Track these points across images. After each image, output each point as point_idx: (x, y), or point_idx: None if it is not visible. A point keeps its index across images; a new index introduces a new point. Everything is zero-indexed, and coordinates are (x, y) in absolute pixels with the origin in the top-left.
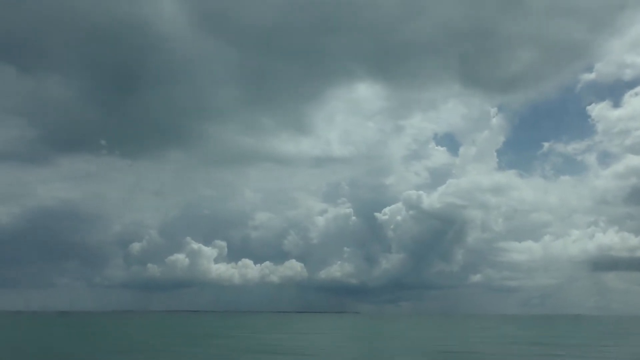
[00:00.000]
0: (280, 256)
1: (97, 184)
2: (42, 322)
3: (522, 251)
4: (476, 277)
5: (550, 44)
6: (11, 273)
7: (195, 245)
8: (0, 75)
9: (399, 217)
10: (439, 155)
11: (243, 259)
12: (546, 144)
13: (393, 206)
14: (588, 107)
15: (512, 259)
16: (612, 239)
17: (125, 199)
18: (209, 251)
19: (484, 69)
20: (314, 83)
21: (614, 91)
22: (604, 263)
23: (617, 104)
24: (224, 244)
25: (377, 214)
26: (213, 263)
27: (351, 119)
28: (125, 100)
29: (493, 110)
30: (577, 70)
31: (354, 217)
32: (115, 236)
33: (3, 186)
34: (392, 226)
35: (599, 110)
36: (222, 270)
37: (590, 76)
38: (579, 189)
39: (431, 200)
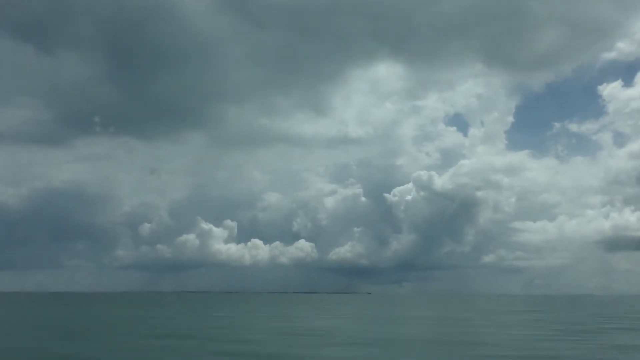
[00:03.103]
0: (289, 237)
1: (110, 165)
2: (55, 303)
3: (537, 231)
4: (488, 258)
5: (577, 22)
6: (21, 254)
7: (205, 226)
8: (18, 55)
9: (408, 198)
10: (452, 136)
11: (253, 239)
12: (558, 124)
13: (403, 187)
14: (599, 87)
15: (526, 239)
16: (627, 219)
17: (137, 180)
18: (220, 232)
19: (509, 49)
20: (335, 63)
21: (628, 71)
22: (619, 243)
23: (629, 84)
24: (234, 224)
25: (386, 195)
26: (223, 244)
27: (369, 99)
28: (144, 81)
29: (506, 91)
30: (598, 49)
31: (363, 198)
32: (125, 217)
33: (15, 168)
34: (402, 207)
35: (610, 90)
36: (232, 250)
37: (610, 55)
38: (592, 168)
39: (443, 180)
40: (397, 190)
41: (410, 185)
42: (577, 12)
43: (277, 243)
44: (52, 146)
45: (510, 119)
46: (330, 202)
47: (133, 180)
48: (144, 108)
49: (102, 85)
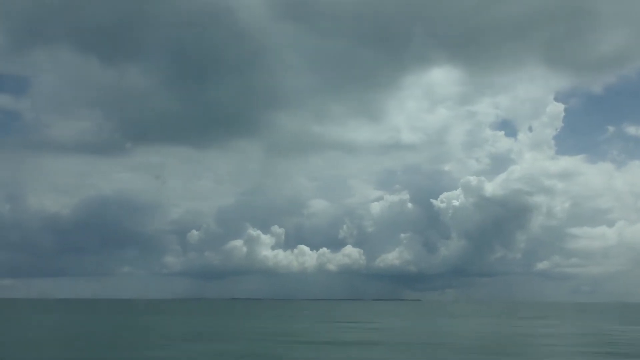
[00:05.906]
0: (336, 243)
1: (162, 173)
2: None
3: (595, 237)
4: (542, 264)
5: None
6: (74, 262)
7: (253, 232)
8: (82, 67)
9: (456, 203)
10: (501, 141)
11: (300, 246)
12: (613, 128)
13: (450, 192)
14: None
15: (583, 245)
16: None
17: (186, 187)
18: (267, 238)
19: (573, 51)
20: (391, 70)
21: None
22: None
23: None
24: (281, 230)
25: (433, 201)
26: (270, 250)
27: (423, 105)
28: (202, 91)
29: (558, 95)
30: None
31: (410, 204)
32: (174, 224)
33: (71, 177)
34: (450, 213)
35: None
36: (280, 257)
37: None
38: None
39: (493, 186)
40: (444, 195)
41: (458, 191)
42: None
43: (323, 249)
44: (109, 156)
45: (561, 123)
46: (376, 208)
47: (182, 188)
48: (198, 116)
49: (159, 94)
